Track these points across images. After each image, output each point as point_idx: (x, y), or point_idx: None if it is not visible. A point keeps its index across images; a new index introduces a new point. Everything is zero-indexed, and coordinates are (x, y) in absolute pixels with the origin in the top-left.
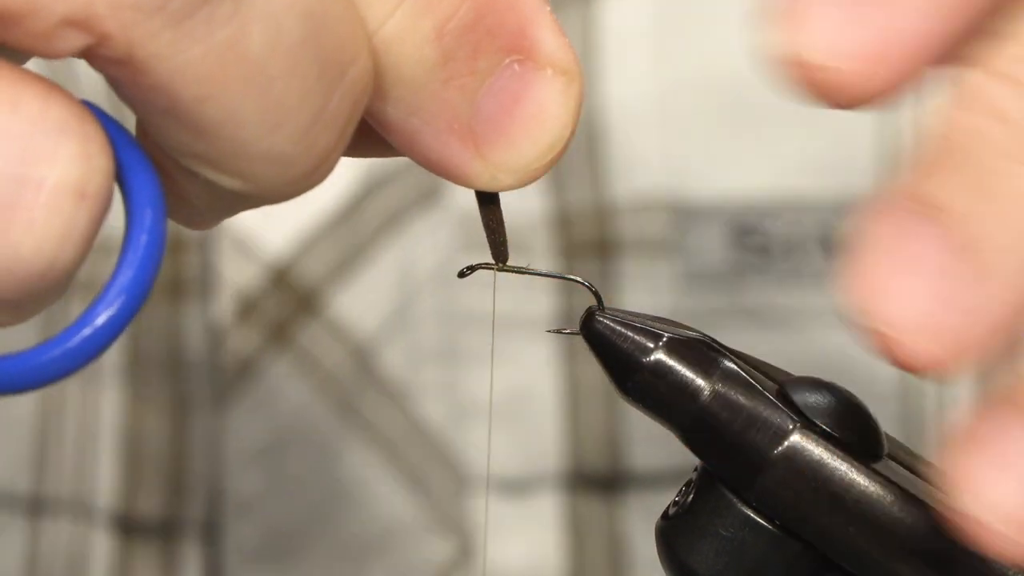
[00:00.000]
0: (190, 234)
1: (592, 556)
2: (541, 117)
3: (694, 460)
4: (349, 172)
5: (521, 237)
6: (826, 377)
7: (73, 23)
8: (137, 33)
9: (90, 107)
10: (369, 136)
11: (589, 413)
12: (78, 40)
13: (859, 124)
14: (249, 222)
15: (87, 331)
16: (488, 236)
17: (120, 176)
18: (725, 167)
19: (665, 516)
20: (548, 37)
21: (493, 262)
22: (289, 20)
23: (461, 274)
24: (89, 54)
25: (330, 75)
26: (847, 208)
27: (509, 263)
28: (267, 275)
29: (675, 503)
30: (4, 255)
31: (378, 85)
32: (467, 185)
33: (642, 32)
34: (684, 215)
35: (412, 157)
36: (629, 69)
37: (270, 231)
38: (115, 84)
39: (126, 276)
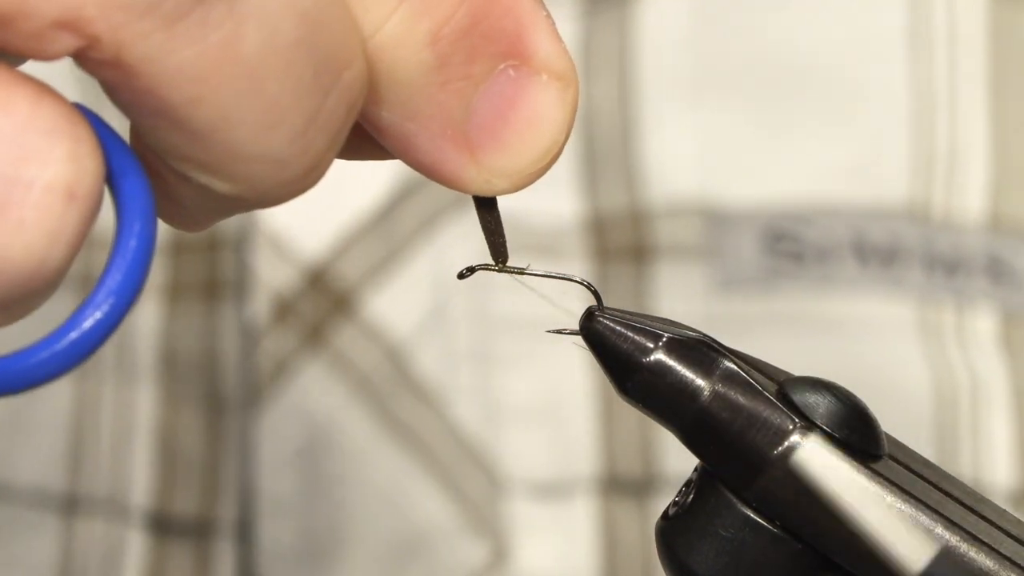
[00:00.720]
0: (226, 234)
1: (625, 560)
2: (536, 122)
3: None
4: (385, 175)
5: (555, 242)
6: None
7: (63, 25)
8: (127, 35)
9: (82, 109)
10: (363, 139)
11: (623, 417)
12: (69, 42)
13: (894, 129)
14: (285, 224)
15: (74, 334)
16: (487, 238)
17: (111, 179)
18: (759, 173)
19: (665, 516)
20: (544, 42)
21: (492, 263)
22: (284, 22)
23: (461, 275)
24: (80, 56)
25: (325, 78)
26: (881, 215)
27: (509, 264)
28: (303, 277)
29: (675, 503)
30: None
31: (373, 89)
32: (461, 190)
33: (678, 36)
34: (718, 221)
35: (406, 161)
36: (665, 73)
37: (306, 233)
38: (107, 87)
39: (115, 280)
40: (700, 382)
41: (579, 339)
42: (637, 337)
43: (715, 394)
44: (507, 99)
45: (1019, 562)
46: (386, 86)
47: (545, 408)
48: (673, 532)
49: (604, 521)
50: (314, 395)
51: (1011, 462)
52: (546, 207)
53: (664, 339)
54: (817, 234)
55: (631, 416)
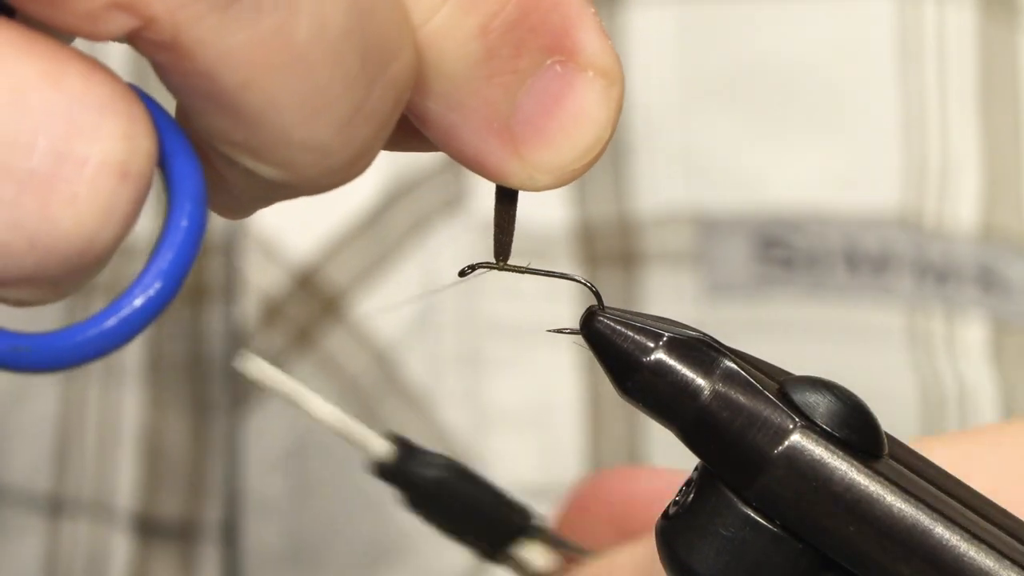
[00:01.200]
0: (214, 238)
1: None
2: (581, 119)
3: None
4: (375, 178)
5: (544, 248)
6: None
7: (120, 5)
8: (183, 17)
9: (135, 90)
10: (407, 130)
11: (610, 422)
12: (124, 23)
13: (885, 137)
14: (275, 226)
15: (124, 313)
16: (496, 234)
17: (162, 160)
18: (750, 179)
19: (665, 516)
20: (591, 39)
21: (494, 261)
22: (335, 11)
23: (462, 273)
24: (134, 37)
25: (373, 68)
26: (872, 222)
27: (510, 263)
28: (292, 280)
29: (675, 503)
30: (45, 230)
31: (420, 79)
32: (504, 183)
33: (667, 42)
34: (708, 227)
35: (449, 153)
36: (654, 79)
37: (296, 236)
38: (159, 69)
39: (165, 259)
40: (700, 381)
41: (579, 338)
42: (637, 337)
43: (715, 393)
44: (553, 95)
45: (1020, 561)
46: (433, 77)
47: (533, 413)
48: (673, 531)
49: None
50: None
51: None
52: (536, 213)
53: (664, 339)
54: (808, 241)
55: (618, 421)
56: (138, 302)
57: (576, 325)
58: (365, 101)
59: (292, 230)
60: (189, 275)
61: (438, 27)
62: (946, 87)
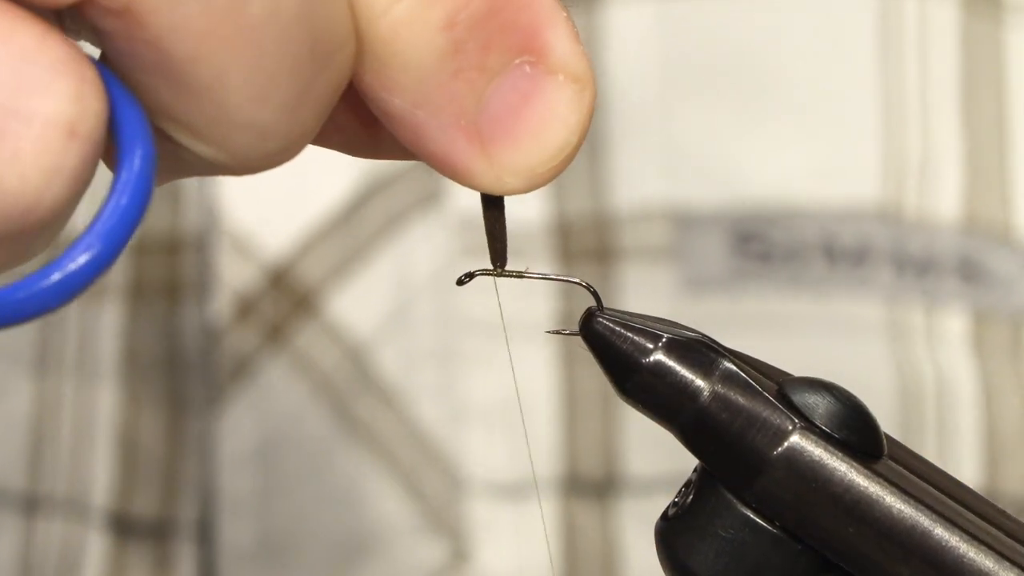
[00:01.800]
0: (188, 234)
1: (585, 561)
2: (549, 121)
3: (689, 467)
4: (349, 174)
5: (520, 245)
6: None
7: None
8: None
9: (89, 57)
10: (379, 136)
11: (585, 418)
12: None
13: (865, 131)
14: (248, 223)
15: (63, 272)
16: (489, 241)
17: (111, 123)
18: (727, 174)
19: (665, 517)
20: (562, 41)
21: (491, 267)
22: None
23: (460, 281)
24: (86, 3)
25: (320, 55)
26: (850, 215)
27: (506, 267)
28: (265, 276)
29: (675, 504)
30: None
31: (385, 73)
32: (471, 185)
33: (645, 36)
34: (685, 222)
35: (417, 152)
36: (631, 74)
37: (269, 232)
38: (106, 36)
39: (109, 221)
40: (700, 383)
41: (579, 339)
42: (636, 338)
43: (715, 394)
44: (521, 95)
45: (1020, 562)
46: (398, 70)
47: (507, 409)
48: (673, 533)
49: (564, 522)
50: (275, 394)
51: (978, 463)
52: (512, 209)
53: (664, 340)
54: (785, 235)
55: (593, 418)
56: (81, 260)
57: (556, 321)
58: (310, 88)
59: (265, 226)
60: (157, 275)
61: (402, 16)
62: (927, 79)
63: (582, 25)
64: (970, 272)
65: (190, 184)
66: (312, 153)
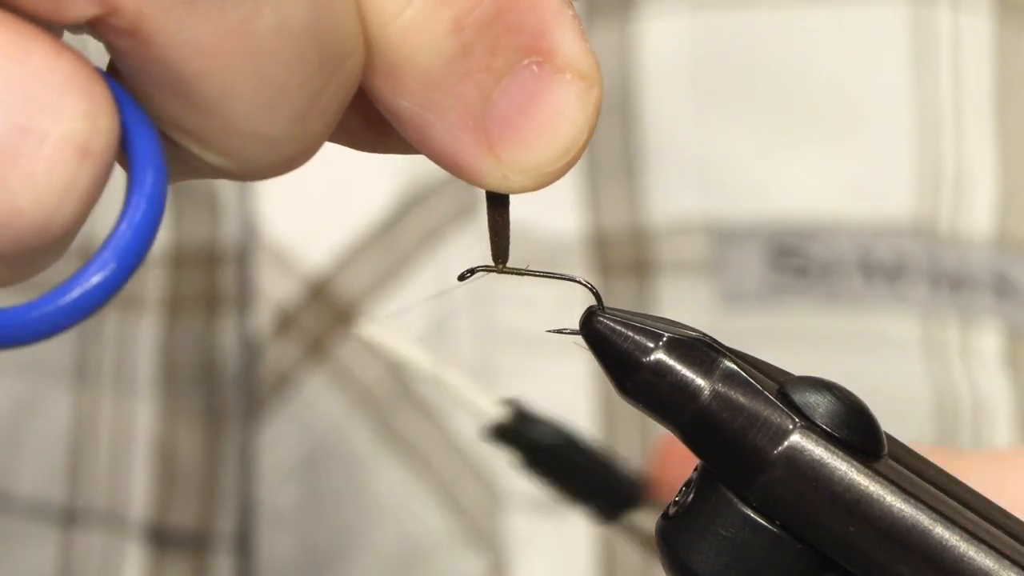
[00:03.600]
0: (227, 248)
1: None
2: (557, 120)
3: None
4: (388, 188)
5: (557, 257)
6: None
7: None
8: (148, 7)
9: (101, 73)
10: (385, 132)
11: (623, 430)
12: (88, 8)
13: (900, 146)
14: (288, 236)
15: (78, 291)
16: (492, 239)
17: (124, 141)
18: (764, 188)
19: (665, 516)
20: (569, 40)
21: (493, 264)
22: (298, 7)
23: (461, 277)
24: (97, 23)
25: (329, 65)
26: (886, 231)
27: (509, 265)
28: (306, 289)
29: (675, 503)
30: (1, 206)
31: (394, 76)
32: (479, 184)
33: (680, 51)
34: (722, 236)
35: (424, 152)
36: (667, 89)
37: (310, 246)
38: (116, 53)
39: (123, 239)
40: (700, 382)
41: (579, 339)
42: (637, 337)
43: (715, 394)
44: (529, 95)
45: (1020, 561)
46: (407, 73)
47: None
48: (673, 532)
49: (603, 536)
50: (315, 408)
51: None
52: (549, 222)
53: (664, 339)
54: (822, 250)
55: (632, 429)
56: (94, 280)
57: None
58: (319, 97)
59: (305, 240)
60: (196, 288)
61: (411, 20)
62: (961, 94)
63: (615, 37)
64: (1004, 288)
65: (229, 197)
66: (351, 167)
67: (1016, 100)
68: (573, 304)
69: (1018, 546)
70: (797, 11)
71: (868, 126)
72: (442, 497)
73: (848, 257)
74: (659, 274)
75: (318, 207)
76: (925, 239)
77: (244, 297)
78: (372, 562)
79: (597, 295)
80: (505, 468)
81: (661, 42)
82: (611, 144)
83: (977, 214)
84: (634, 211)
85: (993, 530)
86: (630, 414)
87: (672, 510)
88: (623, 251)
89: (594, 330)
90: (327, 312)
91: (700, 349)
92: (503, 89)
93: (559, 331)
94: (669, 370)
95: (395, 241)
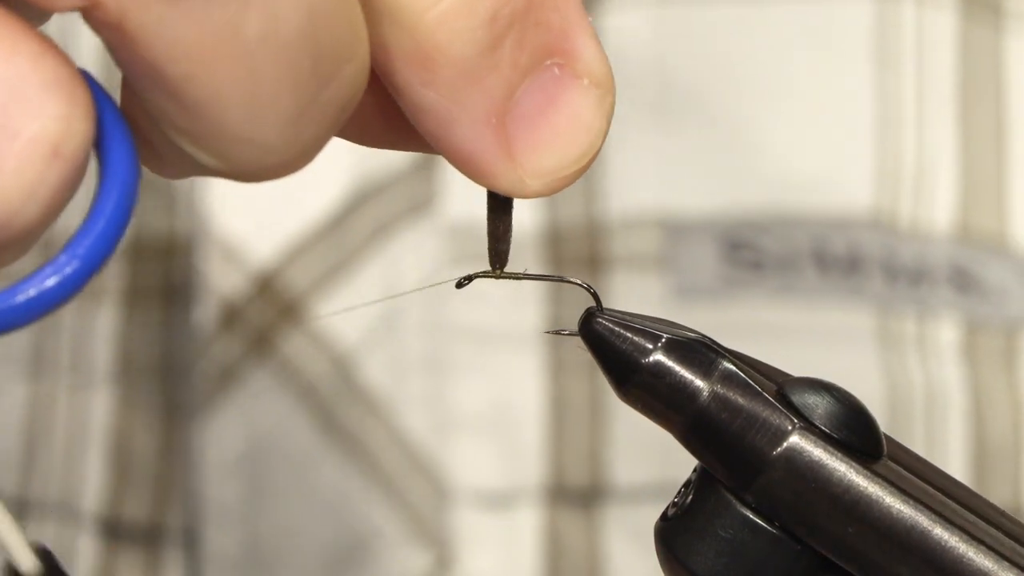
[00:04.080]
0: (179, 240)
1: (570, 570)
2: (575, 124)
3: (675, 475)
4: (340, 182)
5: (512, 252)
6: None
7: None
8: (130, 2)
9: (85, 75)
10: (397, 128)
11: (572, 427)
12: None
13: (860, 140)
14: (237, 230)
15: (33, 291)
16: (490, 243)
17: (99, 146)
18: (718, 182)
19: (664, 517)
20: (588, 46)
21: (491, 269)
22: (288, 11)
23: (459, 284)
24: (85, 14)
25: (324, 70)
26: (843, 224)
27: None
28: (252, 283)
29: (674, 504)
30: None
31: (427, 65)
32: (492, 185)
33: (640, 45)
34: (676, 231)
35: (441, 149)
36: (624, 83)
37: (258, 239)
38: (107, 46)
39: (83, 244)
40: (699, 383)
41: (579, 340)
42: (636, 338)
43: (714, 395)
44: (549, 97)
45: (1019, 562)
46: (439, 62)
47: (494, 418)
48: (672, 533)
49: (549, 531)
50: (260, 402)
51: (966, 472)
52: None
53: (663, 340)
54: (776, 243)
55: (581, 426)
56: (49, 282)
57: (546, 327)
58: (313, 102)
59: (254, 234)
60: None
61: (450, 7)
62: (923, 87)
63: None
64: (963, 282)
65: (181, 188)
66: None
67: (979, 95)
68: (526, 298)
69: (1017, 547)
70: (759, 6)
71: (827, 119)
72: (387, 492)
73: (803, 250)
74: (613, 268)
75: (268, 200)
76: (884, 232)
77: (193, 290)
78: (317, 557)
79: (596, 296)
80: (451, 463)
81: (621, 36)
82: None
83: (937, 208)
84: (589, 205)
85: (992, 531)
86: (580, 409)
87: (671, 511)
88: (577, 245)
89: (593, 331)
90: (273, 307)
91: (699, 350)
92: (526, 88)
93: (558, 332)
94: (668, 371)
95: (344, 236)
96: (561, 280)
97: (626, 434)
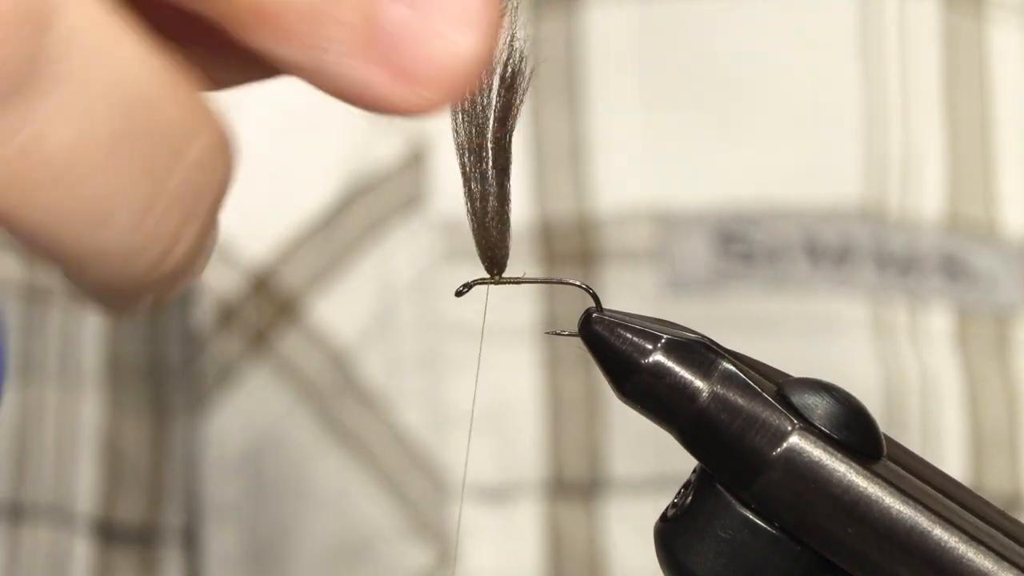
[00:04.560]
0: None
1: (570, 563)
2: (451, 22)
3: (673, 467)
4: (331, 179)
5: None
6: None
7: None
8: None
9: None
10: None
11: (569, 421)
12: None
13: (846, 130)
14: (231, 228)
15: None
16: (485, 248)
17: None
18: (708, 176)
19: (664, 518)
20: None
21: (488, 276)
22: (101, 113)
23: (458, 293)
24: None
25: (162, 160)
26: (833, 215)
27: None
28: (248, 282)
29: (673, 504)
30: None
31: (278, 26)
32: (390, 110)
33: (626, 40)
34: (668, 224)
35: (329, 92)
36: (613, 77)
37: (251, 237)
38: None
39: None
40: (699, 383)
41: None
42: (636, 339)
43: (714, 395)
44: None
45: (1019, 562)
46: (289, 17)
47: (492, 412)
48: (672, 534)
49: (550, 524)
50: (259, 401)
51: (962, 460)
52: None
53: (663, 340)
54: (768, 235)
55: (578, 420)
56: None
57: (541, 325)
58: (159, 194)
59: (248, 232)
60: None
61: None
62: (908, 77)
63: (562, 25)
64: (953, 270)
65: None
66: (295, 158)
67: (963, 82)
68: (519, 295)
69: (1017, 547)
70: None
71: (814, 111)
72: (387, 488)
73: (794, 242)
74: (605, 263)
75: (261, 199)
76: (873, 222)
77: (187, 290)
78: (318, 554)
79: (596, 297)
80: (450, 458)
81: (607, 30)
82: (557, 133)
83: (926, 196)
84: (580, 200)
85: (992, 531)
86: (577, 403)
87: (670, 512)
88: (569, 240)
89: (592, 332)
90: (269, 305)
91: (699, 351)
92: (385, 6)
93: (557, 332)
94: (668, 372)
95: (338, 232)
96: (560, 282)
97: (624, 427)
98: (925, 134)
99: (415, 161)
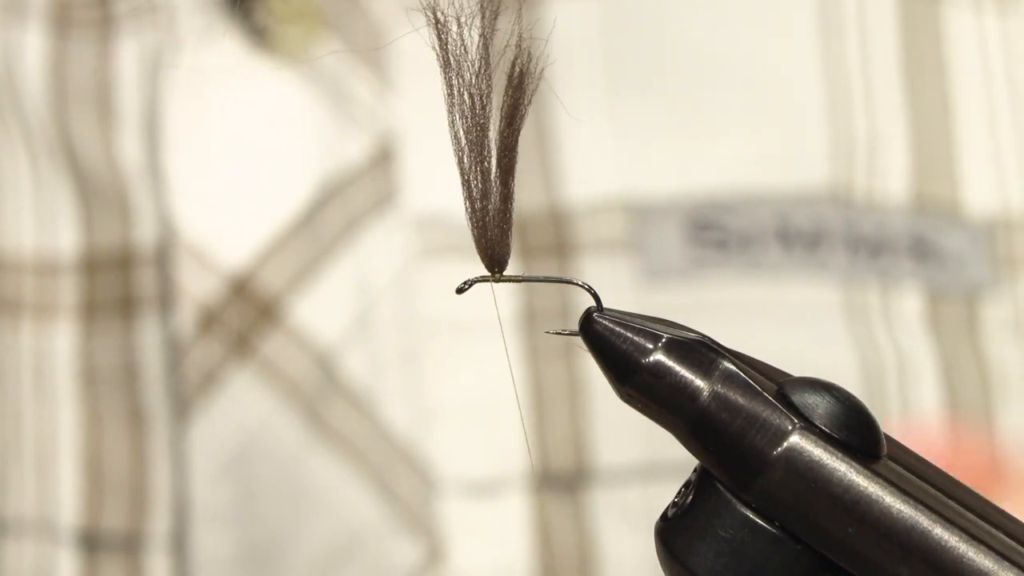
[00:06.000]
0: (143, 250)
1: (559, 554)
2: None
3: (660, 455)
4: (305, 181)
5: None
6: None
7: None
8: None
9: None
10: None
11: (553, 413)
12: None
13: (811, 115)
14: (207, 234)
15: None
16: (484, 246)
17: None
18: (679, 165)
19: (664, 517)
20: None
21: (488, 274)
22: None
23: (459, 290)
24: None
25: None
26: (804, 199)
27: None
28: (227, 286)
29: (674, 504)
30: None
31: None
32: None
33: (590, 31)
34: (640, 213)
35: None
36: (578, 69)
37: (229, 242)
38: None
39: None
40: (699, 383)
41: (579, 339)
42: (636, 338)
43: (714, 395)
44: None
45: (1019, 562)
46: None
47: (476, 407)
48: (672, 533)
49: (537, 516)
50: (244, 404)
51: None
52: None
53: (663, 340)
54: (740, 222)
55: (562, 412)
56: None
57: (522, 319)
58: None
59: (225, 237)
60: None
61: None
62: (869, 61)
63: (524, 17)
64: (922, 251)
65: (142, 198)
66: (267, 161)
67: (923, 65)
68: (498, 289)
69: (1017, 547)
70: None
71: (779, 97)
72: (375, 486)
73: (766, 228)
74: (580, 254)
75: (236, 203)
76: (842, 206)
77: (166, 297)
78: (309, 554)
79: (596, 296)
80: (436, 454)
81: (571, 23)
82: (523, 127)
83: (892, 178)
84: (550, 192)
85: (992, 531)
86: (561, 396)
87: (671, 511)
88: (542, 233)
89: (593, 331)
90: (250, 308)
91: (699, 350)
92: None
93: (558, 332)
94: (668, 371)
95: (314, 233)
96: (560, 281)
97: (608, 416)
98: (888, 116)
99: (384, 159)
